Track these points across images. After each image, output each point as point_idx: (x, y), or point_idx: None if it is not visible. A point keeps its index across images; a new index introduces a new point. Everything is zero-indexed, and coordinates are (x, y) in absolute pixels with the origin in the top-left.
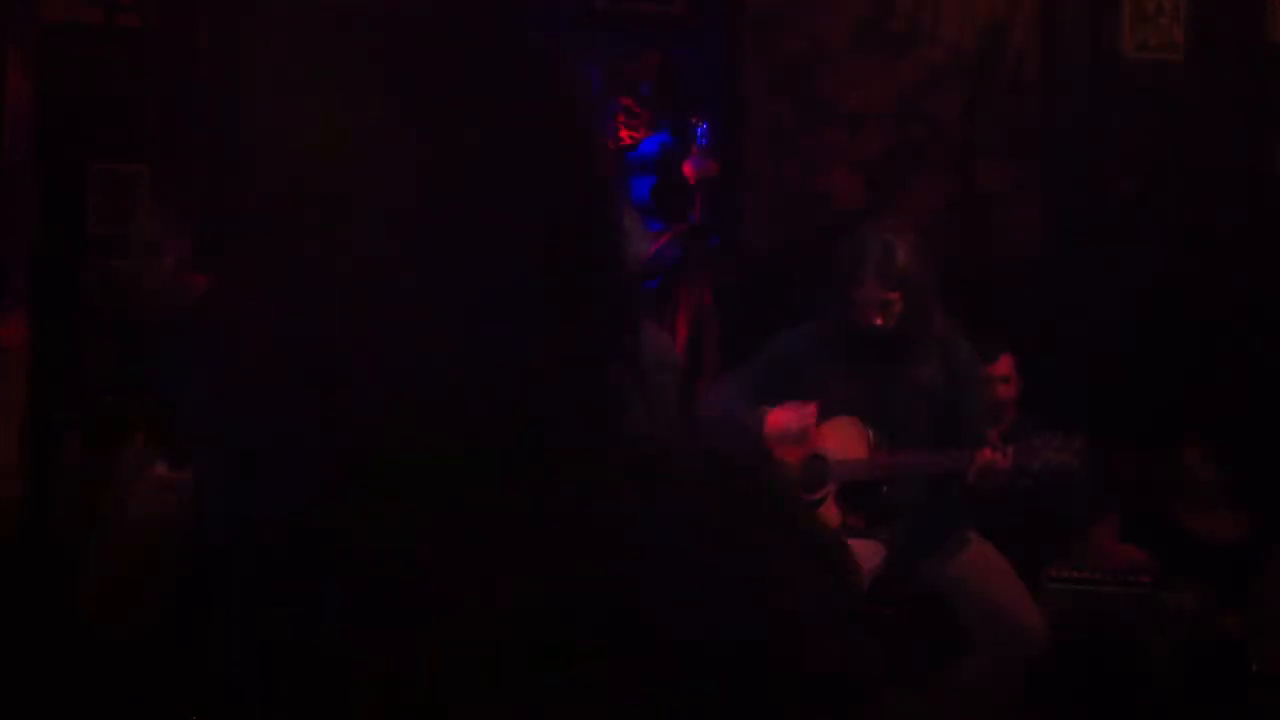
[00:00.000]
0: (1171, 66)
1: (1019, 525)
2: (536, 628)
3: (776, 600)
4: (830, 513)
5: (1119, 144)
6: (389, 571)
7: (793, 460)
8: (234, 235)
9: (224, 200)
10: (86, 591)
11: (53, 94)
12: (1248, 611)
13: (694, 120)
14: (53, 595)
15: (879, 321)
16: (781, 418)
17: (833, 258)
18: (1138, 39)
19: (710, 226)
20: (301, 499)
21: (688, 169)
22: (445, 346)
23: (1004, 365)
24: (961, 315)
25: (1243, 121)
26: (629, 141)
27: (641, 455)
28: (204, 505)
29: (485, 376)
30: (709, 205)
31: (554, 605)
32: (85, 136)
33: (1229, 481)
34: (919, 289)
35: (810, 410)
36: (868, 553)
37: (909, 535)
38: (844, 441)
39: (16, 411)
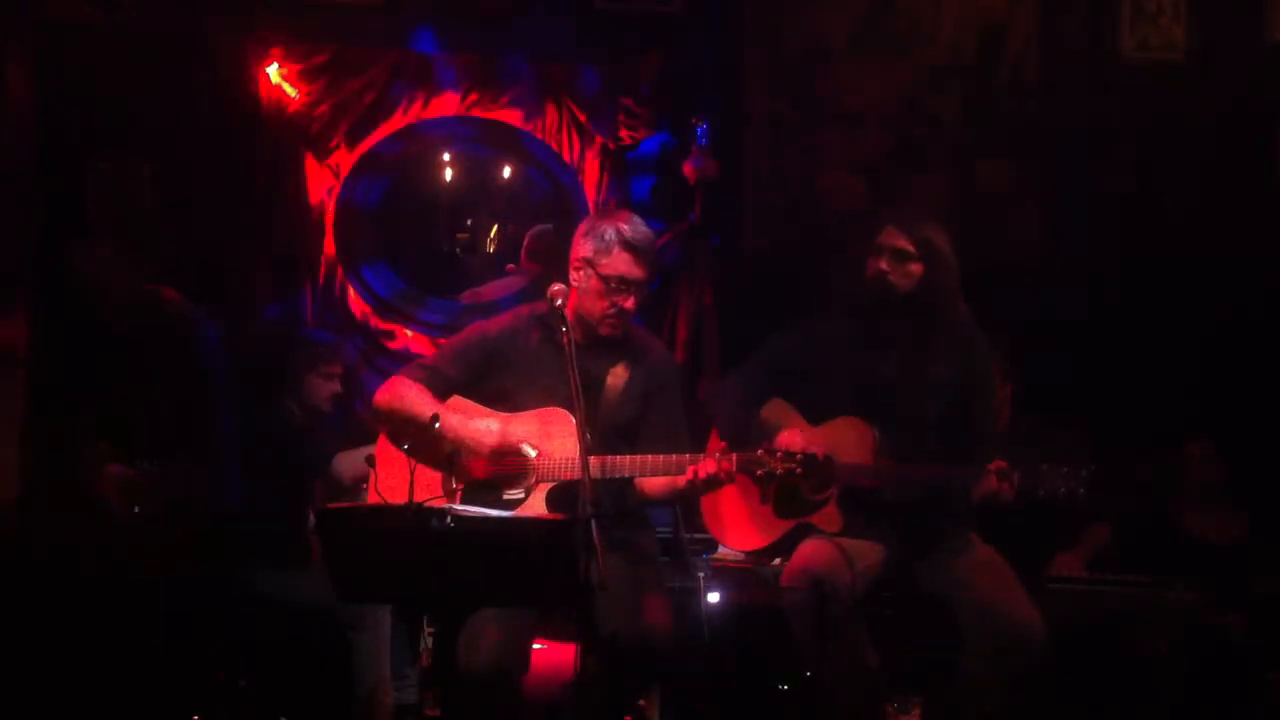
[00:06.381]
0: (1171, 66)
1: (1019, 526)
2: None
3: None
4: (831, 514)
5: (1119, 144)
6: None
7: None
8: None
9: None
10: None
11: (53, 94)
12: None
13: (694, 120)
14: (53, 595)
15: (898, 284)
16: (791, 439)
17: (849, 241)
18: (1138, 39)
19: (710, 226)
20: None
21: (688, 169)
22: None
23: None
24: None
25: (1243, 121)
26: (629, 141)
27: None
28: None
29: None
30: (709, 205)
31: None
32: (85, 136)
33: (1231, 480)
34: (940, 262)
35: (817, 436)
36: (867, 552)
37: (909, 536)
38: (848, 444)
39: (16, 411)
